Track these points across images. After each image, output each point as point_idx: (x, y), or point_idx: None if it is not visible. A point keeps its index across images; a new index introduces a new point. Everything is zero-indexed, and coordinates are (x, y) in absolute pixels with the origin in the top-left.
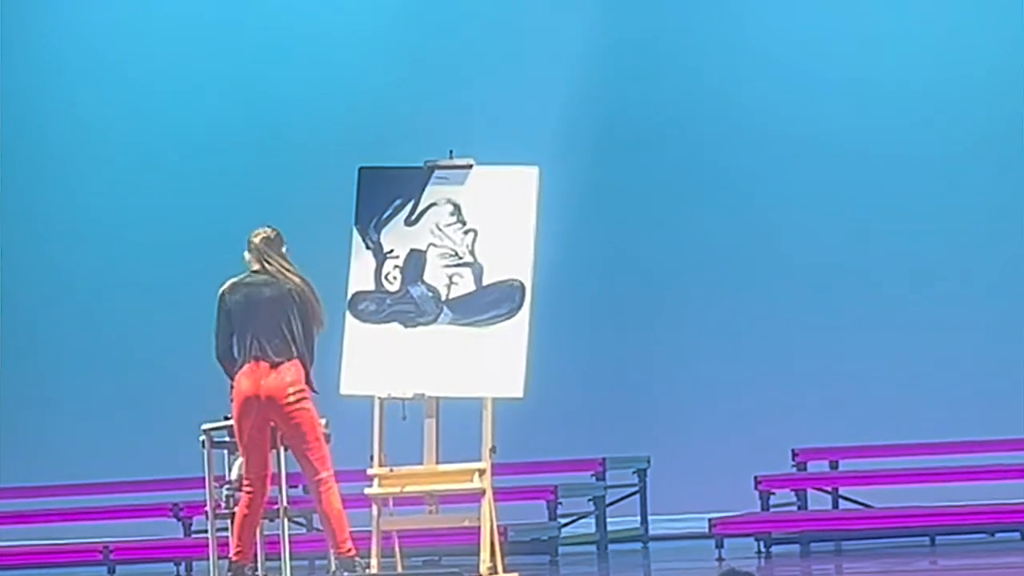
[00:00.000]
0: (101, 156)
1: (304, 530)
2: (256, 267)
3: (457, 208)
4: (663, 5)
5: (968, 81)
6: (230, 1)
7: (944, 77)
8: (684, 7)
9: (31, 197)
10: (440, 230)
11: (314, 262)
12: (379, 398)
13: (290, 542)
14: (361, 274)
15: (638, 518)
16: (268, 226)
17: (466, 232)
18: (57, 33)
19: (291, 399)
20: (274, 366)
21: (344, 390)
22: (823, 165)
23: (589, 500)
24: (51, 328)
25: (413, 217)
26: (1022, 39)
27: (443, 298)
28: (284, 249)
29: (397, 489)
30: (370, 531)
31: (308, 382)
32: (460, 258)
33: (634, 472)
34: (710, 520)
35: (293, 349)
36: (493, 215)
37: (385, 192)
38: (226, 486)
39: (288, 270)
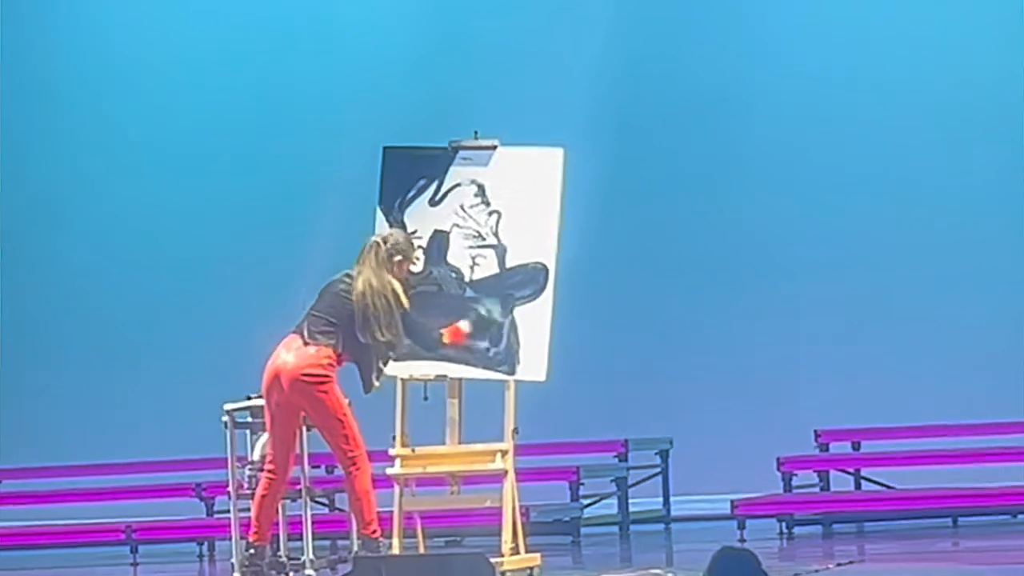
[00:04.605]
0: (115, 133)
1: (326, 510)
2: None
3: (481, 189)
4: None
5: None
6: None
7: (951, 70)
8: None
9: (47, 185)
10: (464, 211)
11: (338, 242)
12: (401, 379)
13: (312, 522)
14: None
15: (660, 499)
16: (389, 233)
17: (490, 213)
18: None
19: (306, 377)
20: (305, 344)
21: None
22: (849, 146)
23: (611, 481)
24: (75, 307)
25: (437, 198)
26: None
27: (466, 279)
28: (394, 259)
29: (419, 469)
30: (392, 511)
31: (334, 365)
32: (484, 239)
33: (656, 453)
34: (732, 501)
35: (334, 340)
36: (517, 196)
37: (409, 172)
38: (248, 466)
39: (370, 280)
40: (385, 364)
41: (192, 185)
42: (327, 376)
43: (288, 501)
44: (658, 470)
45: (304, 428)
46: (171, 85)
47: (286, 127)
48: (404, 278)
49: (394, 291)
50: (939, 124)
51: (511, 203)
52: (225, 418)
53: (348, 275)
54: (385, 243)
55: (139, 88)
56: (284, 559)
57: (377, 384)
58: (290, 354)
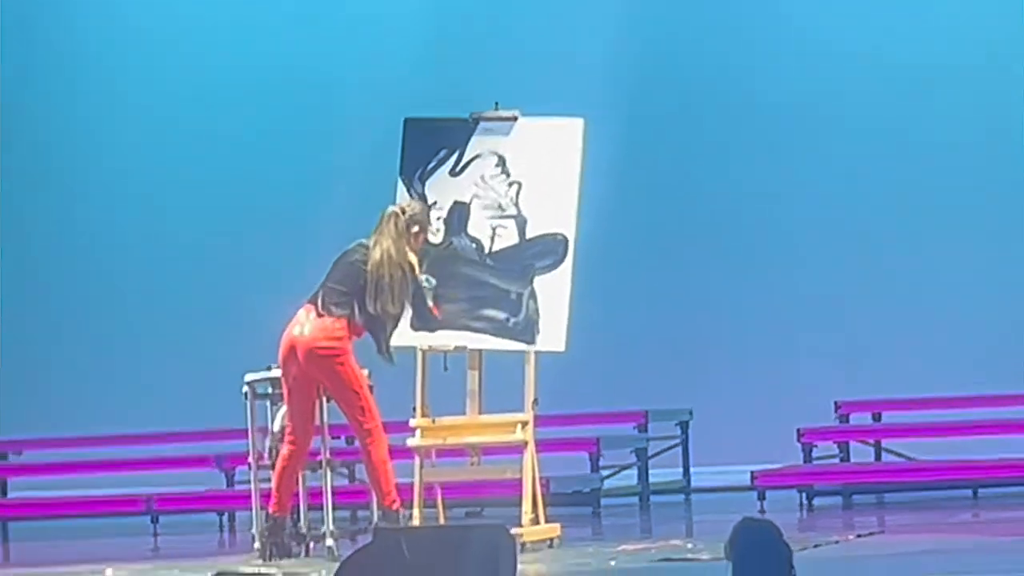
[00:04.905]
0: (127, 103)
1: (347, 481)
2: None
3: (502, 160)
4: None
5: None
6: None
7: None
8: None
9: (61, 157)
10: (484, 182)
11: (359, 214)
12: (421, 350)
13: (333, 493)
14: None
15: (680, 470)
16: (408, 204)
17: (510, 184)
18: None
19: (321, 350)
20: (319, 315)
21: None
22: (870, 115)
23: (631, 452)
24: (95, 278)
25: (458, 169)
26: None
27: (486, 250)
28: (412, 230)
29: (439, 441)
30: (412, 482)
31: (348, 336)
32: (504, 210)
33: (676, 424)
34: (752, 472)
35: (348, 310)
36: (538, 167)
37: (430, 143)
38: (268, 437)
39: (389, 250)
40: (391, 335)
41: (212, 154)
42: (343, 348)
43: (308, 472)
44: (678, 441)
45: (324, 399)
46: (188, 54)
47: (306, 97)
48: (421, 249)
49: (410, 263)
50: (961, 90)
51: (531, 174)
52: (245, 389)
53: (363, 245)
54: (404, 213)
55: (153, 56)
56: (304, 530)
57: (393, 353)
58: (305, 326)
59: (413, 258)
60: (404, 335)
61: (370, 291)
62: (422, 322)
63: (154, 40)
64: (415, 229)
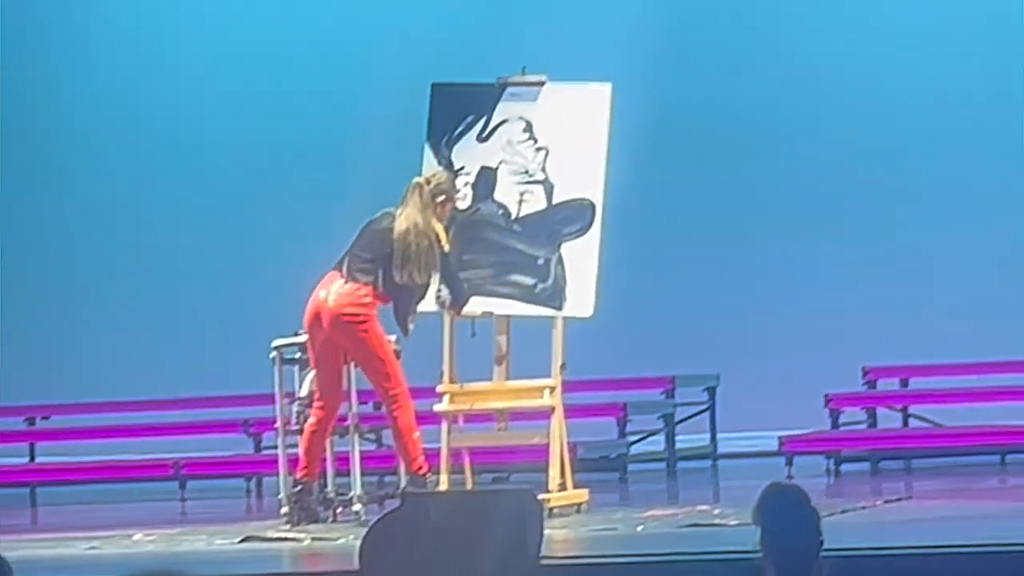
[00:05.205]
0: (159, 64)
1: (374, 446)
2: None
3: (529, 125)
4: None
5: None
6: None
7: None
8: None
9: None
10: (512, 147)
11: (386, 179)
12: (449, 315)
13: (360, 458)
14: None
15: (707, 436)
16: (433, 174)
17: (538, 149)
18: None
19: (346, 317)
20: (345, 281)
21: None
22: (902, 80)
23: (658, 417)
24: (122, 243)
25: (485, 134)
26: None
27: (513, 216)
28: (437, 199)
29: (467, 406)
30: (440, 448)
31: (373, 303)
32: (531, 176)
33: (704, 390)
34: (780, 438)
35: (372, 278)
36: (565, 132)
37: (457, 109)
38: (296, 402)
39: (415, 219)
40: (417, 306)
41: (240, 121)
42: (367, 315)
43: (336, 437)
44: (705, 407)
45: (351, 365)
46: (217, 15)
47: (334, 62)
48: (448, 218)
49: (437, 233)
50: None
51: (558, 139)
52: (273, 354)
53: (390, 213)
54: (428, 184)
55: (185, 17)
56: (332, 495)
57: (411, 327)
58: (330, 292)
59: (440, 228)
60: (431, 302)
61: (396, 261)
62: (457, 297)
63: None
64: (441, 198)
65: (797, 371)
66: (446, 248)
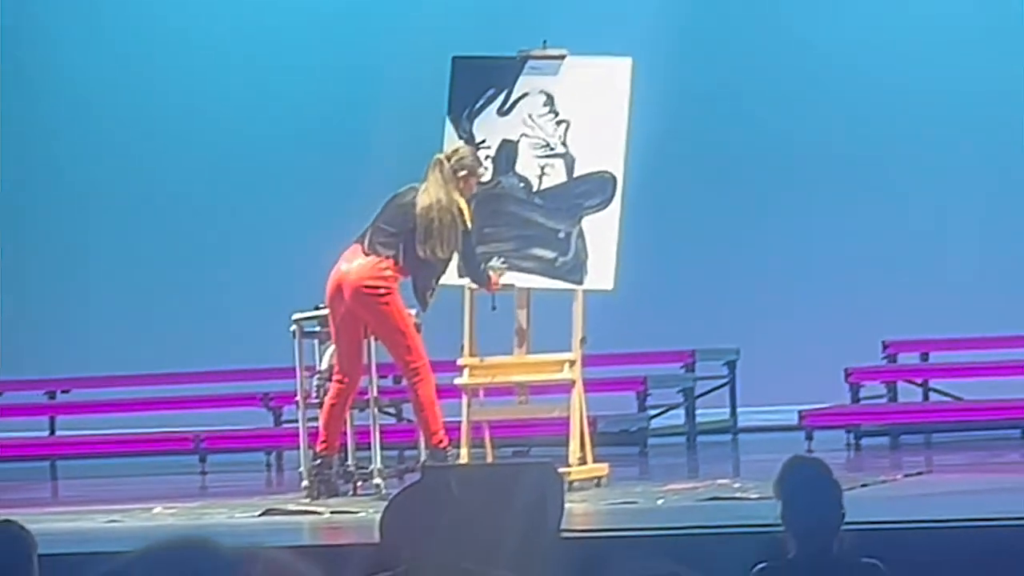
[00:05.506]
0: (176, 39)
1: (394, 420)
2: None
3: (550, 99)
4: None
5: None
6: None
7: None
8: None
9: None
10: (533, 120)
11: (407, 152)
12: (469, 288)
13: (380, 432)
14: None
15: (727, 410)
16: (454, 149)
17: (558, 123)
18: None
19: (368, 289)
20: (366, 254)
21: None
22: (923, 54)
23: (678, 392)
24: (143, 217)
25: (506, 107)
26: None
27: (534, 189)
28: (459, 175)
29: (487, 379)
30: (460, 421)
31: (395, 276)
32: (552, 149)
33: (724, 364)
34: (800, 412)
35: (394, 251)
36: (586, 106)
37: (478, 82)
38: (316, 376)
39: (439, 195)
40: (437, 282)
41: (261, 96)
42: (388, 288)
43: (356, 411)
44: (725, 380)
45: (371, 338)
46: None
47: (354, 36)
48: (471, 194)
49: (459, 208)
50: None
51: (579, 112)
52: (293, 327)
53: (415, 188)
54: (449, 160)
55: None
56: (352, 468)
57: (431, 301)
58: (351, 265)
59: (463, 202)
60: (452, 275)
61: (419, 235)
62: (476, 278)
63: None
64: (463, 173)
65: (817, 345)
66: (469, 225)
